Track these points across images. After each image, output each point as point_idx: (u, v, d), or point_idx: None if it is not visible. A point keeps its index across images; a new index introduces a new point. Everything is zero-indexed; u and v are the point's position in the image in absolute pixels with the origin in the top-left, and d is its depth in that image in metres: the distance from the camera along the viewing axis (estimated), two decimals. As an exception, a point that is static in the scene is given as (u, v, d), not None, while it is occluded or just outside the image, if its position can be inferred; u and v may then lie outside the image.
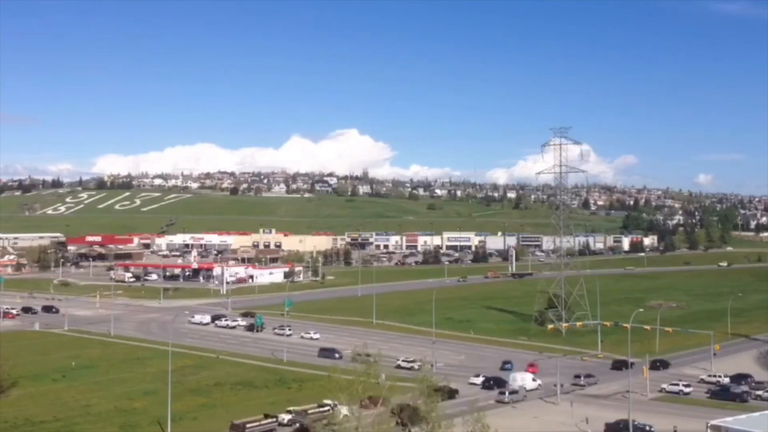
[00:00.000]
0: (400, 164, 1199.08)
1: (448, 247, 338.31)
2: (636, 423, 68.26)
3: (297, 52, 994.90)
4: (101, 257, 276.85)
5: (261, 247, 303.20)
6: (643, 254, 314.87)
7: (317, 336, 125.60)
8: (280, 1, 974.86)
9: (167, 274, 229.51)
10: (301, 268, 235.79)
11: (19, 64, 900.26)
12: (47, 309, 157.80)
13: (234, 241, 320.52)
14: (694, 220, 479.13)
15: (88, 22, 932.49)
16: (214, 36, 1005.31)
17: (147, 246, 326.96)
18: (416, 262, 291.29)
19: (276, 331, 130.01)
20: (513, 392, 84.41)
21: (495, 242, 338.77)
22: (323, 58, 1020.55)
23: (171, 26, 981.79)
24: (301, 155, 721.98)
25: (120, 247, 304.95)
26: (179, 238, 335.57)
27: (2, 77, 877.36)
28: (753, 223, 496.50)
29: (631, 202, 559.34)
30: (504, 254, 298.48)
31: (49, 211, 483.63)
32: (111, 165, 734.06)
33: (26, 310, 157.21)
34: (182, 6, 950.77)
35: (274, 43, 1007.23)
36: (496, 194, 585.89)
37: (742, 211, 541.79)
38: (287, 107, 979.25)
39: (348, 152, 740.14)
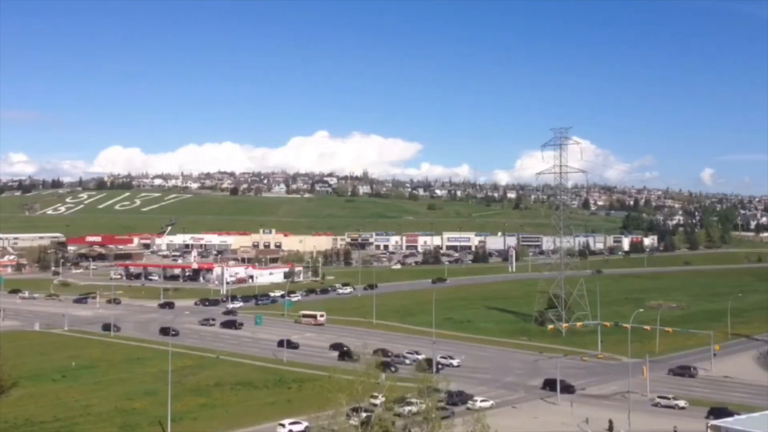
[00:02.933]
0: (413, 164, 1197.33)
1: (448, 247, 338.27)
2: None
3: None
4: (101, 257, 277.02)
5: (261, 247, 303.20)
6: (643, 255, 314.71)
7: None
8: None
9: (167, 274, 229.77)
10: (301, 269, 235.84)
11: (49, 64, 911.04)
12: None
13: (234, 241, 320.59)
14: (694, 220, 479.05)
15: (117, 22, 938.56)
16: (247, 38, 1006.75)
17: (147, 246, 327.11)
18: (416, 262, 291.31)
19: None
20: None
21: (495, 242, 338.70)
22: (321, 58, 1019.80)
23: (201, 27, 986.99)
24: (317, 155, 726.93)
25: (120, 247, 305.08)
26: (179, 238, 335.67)
27: (35, 75, 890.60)
28: (753, 223, 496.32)
29: (631, 203, 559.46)
30: (504, 254, 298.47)
31: (49, 211, 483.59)
32: (128, 161, 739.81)
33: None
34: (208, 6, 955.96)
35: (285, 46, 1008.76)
36: (496, 194, 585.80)
37: (742, 211, 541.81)
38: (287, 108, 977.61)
39: (374, 152, 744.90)
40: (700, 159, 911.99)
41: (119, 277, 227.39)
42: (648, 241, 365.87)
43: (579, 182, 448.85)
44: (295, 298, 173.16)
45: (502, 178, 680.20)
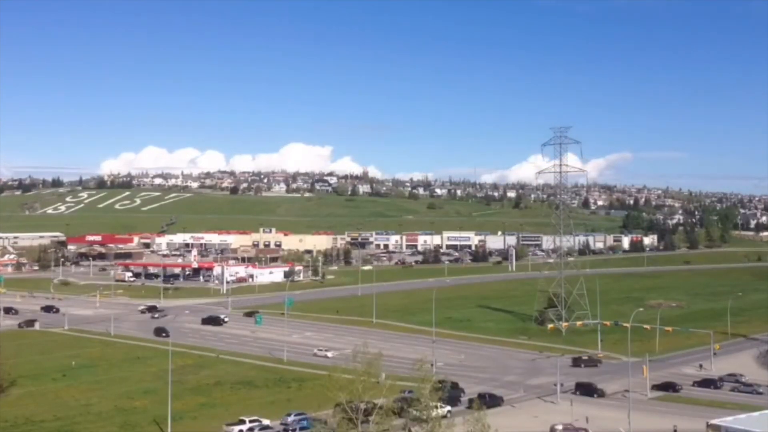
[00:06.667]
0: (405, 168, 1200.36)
1: (448, 247, 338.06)
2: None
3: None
4: (101, 256, 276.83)
5: (261, 246, 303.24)
6: (643, 254, 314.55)
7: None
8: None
9: (167, 273, 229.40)
10: (301, 268, 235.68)
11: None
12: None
13: (234, 240, 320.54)
14: (694, 220, 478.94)
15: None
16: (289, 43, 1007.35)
17: (147, 245, 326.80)
18: (416, 262, 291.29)
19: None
20: None
21: (495, 241, 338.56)
22: (318, 58, 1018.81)
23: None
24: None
25: (120, 246, 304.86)
26: (179, 238, 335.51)
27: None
28: (753, 223, 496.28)
29: (631, 202, 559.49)
30: (504, 254, 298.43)
31: (50, 211, 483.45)
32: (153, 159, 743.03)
33: None
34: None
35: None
36: (496, 194, 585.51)
37: (742, 211, 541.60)
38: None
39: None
40: (699, 158, 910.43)
41: (133, 279, 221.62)
42: (648, 240, 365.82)
43: (579, 182, 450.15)
44: None
45: (502, 177, 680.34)
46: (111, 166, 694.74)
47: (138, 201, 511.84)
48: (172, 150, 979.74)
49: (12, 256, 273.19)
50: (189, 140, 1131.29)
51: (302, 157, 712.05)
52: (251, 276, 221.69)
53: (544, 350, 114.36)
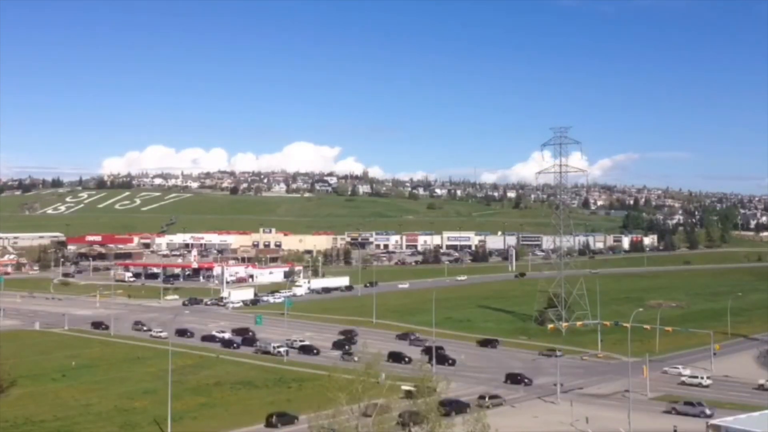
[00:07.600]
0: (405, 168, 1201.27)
1: (448, 247, 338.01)
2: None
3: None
4: (101, 257, 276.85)
5: (261, 246, 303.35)
6: (643, 254, 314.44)
7: None
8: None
9: (167, 273, 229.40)
10: (301, 268, 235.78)
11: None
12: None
13: (234, 240, 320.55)
14: (694, 220, 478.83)
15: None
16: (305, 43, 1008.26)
17: (147, 245, 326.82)
18: (416, 262, 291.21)
19: None
20: None
21: (495, 242, 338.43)
22: (318, 58, 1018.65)
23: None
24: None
25: (120, 246, 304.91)
26: (179, 238, 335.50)
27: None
28: (753, 223, 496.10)
29: (631, 202, 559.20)
30: (504, 254, 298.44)
31: (49, 211, 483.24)
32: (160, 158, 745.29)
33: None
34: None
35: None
36: (496, 194, 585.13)
37: (742, 211, 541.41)
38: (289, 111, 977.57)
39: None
40: (698, 158, 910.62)
41: (133, 279, 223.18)
42: (648, 240, 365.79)
43: (579, 182, 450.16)
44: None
45: (504, 176, 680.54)
46: (114, 165, 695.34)
47: (138, 201, 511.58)
48: (179, 150, 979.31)
49: (12, 257, 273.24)
50: (195, 140, 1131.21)
51: (306, 156, 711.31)
52: (251, 276, 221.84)
53: (544, 350, 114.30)
